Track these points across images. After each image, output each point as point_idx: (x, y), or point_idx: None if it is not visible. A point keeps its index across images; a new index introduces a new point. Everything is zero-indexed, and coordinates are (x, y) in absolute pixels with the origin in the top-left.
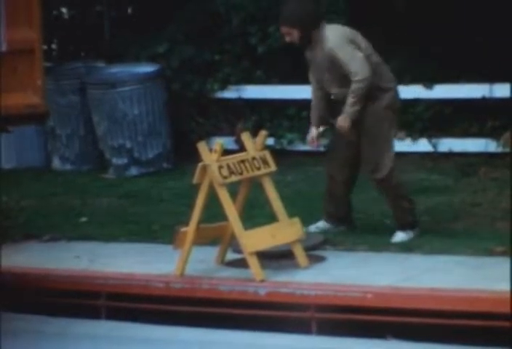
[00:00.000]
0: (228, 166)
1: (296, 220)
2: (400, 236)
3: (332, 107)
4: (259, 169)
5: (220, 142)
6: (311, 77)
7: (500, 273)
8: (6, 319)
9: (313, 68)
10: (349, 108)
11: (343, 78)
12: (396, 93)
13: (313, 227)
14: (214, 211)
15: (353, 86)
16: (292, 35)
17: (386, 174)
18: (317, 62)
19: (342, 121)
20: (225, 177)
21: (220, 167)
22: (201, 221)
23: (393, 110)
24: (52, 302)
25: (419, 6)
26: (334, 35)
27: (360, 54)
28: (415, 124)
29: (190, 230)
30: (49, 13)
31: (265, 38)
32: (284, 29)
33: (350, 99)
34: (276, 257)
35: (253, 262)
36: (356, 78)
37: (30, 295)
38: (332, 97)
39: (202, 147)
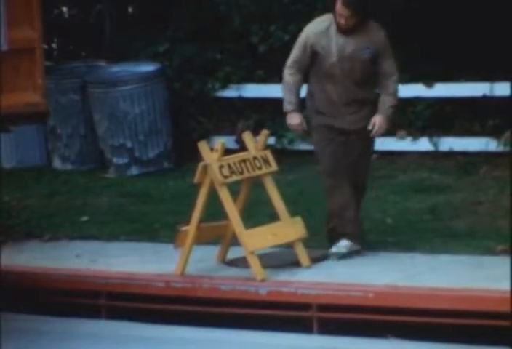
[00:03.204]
0: (229, 166)
1: (297, 219)
2: (341, 245)
3: (331, 105)
4: (260, 168)
5: (221, 141)
6: (300, 62)
7: (501, 272)
8: (6, 319)
9: (329, 55)
10: (390, 109)
11: (365, 75)
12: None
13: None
14: (214, 210)
15: (394, 86)
16: (350, 19)
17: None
18: (343, 50)
19: (385, 123)
20: (225, 177)
21: (221, 167)
22: (201, 220)
23: None
24: (53, 302)
25: (419, 4)
26: (383, 31)
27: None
28: (416, 123)
29: (190, 229)
30: (49, 12)
31: (266, 38)
32: (345, 12)
33: (393, 100)
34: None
35: (254, 262)
36: (395, 77)
37: (30, 295)
38: (336, 95)
39: (203, 146)
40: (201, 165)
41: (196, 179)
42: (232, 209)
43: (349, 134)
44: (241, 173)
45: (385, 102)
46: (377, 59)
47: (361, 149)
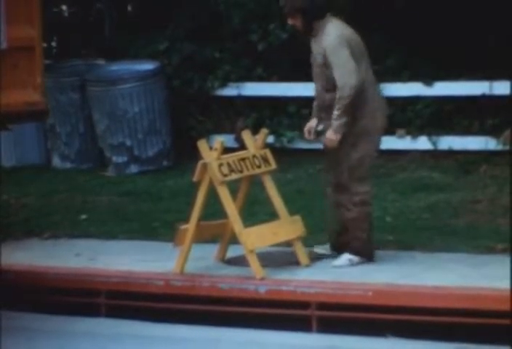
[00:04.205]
0: (228, 164)
1: (297, 218)
2: (343, 259)
3: (319, 115)
4: (259, 167)
5: (220, 140)
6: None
7: (501, 271)
8: (6, 317)
9: (312, 59)
10: (334, 121)
11: (329, 80)
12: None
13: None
14: (214, 208)
15: (338, 95)
16: (295, 21)
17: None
18: (314, 53)
19: (329, 136)
20: (225, 175)
21: (220, 165)
22: (201, 218)
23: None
24: (52, 300)
25: (419, 3)
26: (334, 34)
27: (352, 63)
28: (415, 122)
29: (190, 227)
30: (49, 10)
31: (265, 36)
32: (289, 14)
33: (335, 112)
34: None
35: (253, 260)
36: (342, 88)
37: (30, 293)
38: (315, 94)
39: (202, 145)
40: (200, 163)
41: (195, 178)
42: (231, 208)
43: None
44: (241, 171)
45: (334, 114)
46: (327, 65)
47: (337, 157)
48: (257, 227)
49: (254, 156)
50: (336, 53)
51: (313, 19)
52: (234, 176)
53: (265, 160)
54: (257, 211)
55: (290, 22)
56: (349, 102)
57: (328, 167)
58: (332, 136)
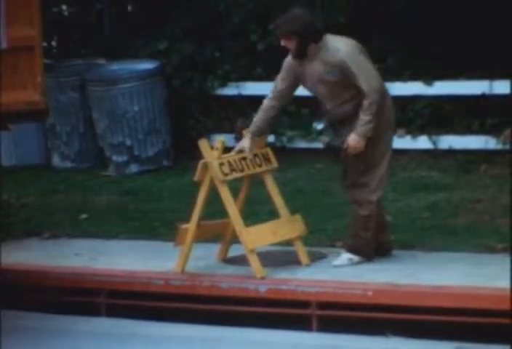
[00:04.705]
0: (229, 163)
1: (297, 217)
2: (343, 258)
3: (332, 127)
4: (260, 165)
5: (220, 139)
6: (278, 84)
7: (501, 270)
8: (6, 316)
9: (305, 81)
10: (362, 127)
11: (349, 90)
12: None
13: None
14: (215, 208)
15: (367, 102)
16: (289, 43)
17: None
18: (312, 74)
19: (355, 142)
20: (225, 174)
21: (221, 164)
22: (201, 218)
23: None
24: (53, 300)
25: (419, 3)
26: (346, 47)
27: (372, 68)
28: (415, 121)
29: (190, 227)
30: (49, 10)
31: (265, 36)
32: (284, 36)
33: (364, 117)
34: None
35: (253, 259)
36: (370, 93)
37: (30, 292)
38: (327, 114)
39: (203, 144)
40: (201, 163)
41: (196, 177)
42: (232, 207)
43: None
44: (242, 170)
45: (360, 119)
46: (346, 77)
47: (357, 156)
48: (257, 227)
49: (255, 155)
50: (355, 62)
51: (309, 42)
52: (235, 175)
53: (266, 159)
54: (257, 210)
55: (283, 43)
56: (377, 108)
57: (345, 167)
58: (357, 142)
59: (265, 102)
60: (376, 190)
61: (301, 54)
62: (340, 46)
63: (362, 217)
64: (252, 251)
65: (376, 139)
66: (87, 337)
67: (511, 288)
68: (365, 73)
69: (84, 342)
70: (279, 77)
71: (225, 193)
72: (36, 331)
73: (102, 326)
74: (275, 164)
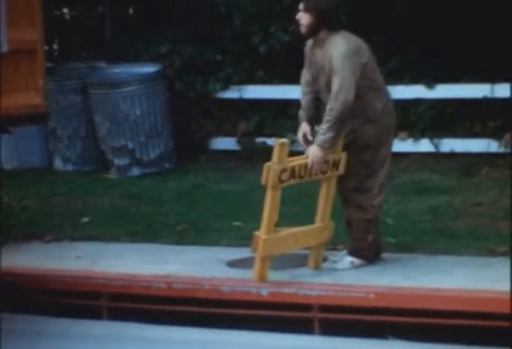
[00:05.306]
0: (292, 170)
1: (330, 224)
2: (345, 262)
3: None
4: (324, 173)
5: (284, 141)
6: (305, 76)
7: (502, 273)
8: (8, 320)
9: (311, 66)
10: (320, 136)
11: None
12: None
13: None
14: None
15: (329, 106)
16: (305, 19)
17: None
18: (317, 62)
19: (313, 152)
20: (282, 181)
21: (283, 170)
22: (276, 224)
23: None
24: (54, 303)
25: (420, 6)
26: (343, 45)
27: (353, 80)
28: (417, 124)
29: (260, 234)
30: (50, 13)
31: (266, 38)
32: (306, 9)
33: (323, 126)
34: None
35: (260, 265)
36: (334, 100)
37: (32, 295)
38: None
39: (279, 146)
40: (266, 166)
41: (263, 181)
42: (270, 212)
43: None
44: (301, 177)
45: (320, 127)
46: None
47: (361, 160)
48: (281, 235)
49: (325, 162)
50: (342, 64)
51: (323, 25)
52: (292, 182)
53: (335, 165)
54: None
55: (299, 16)
56: (339, 116)
57: (348, 172)
58: (317, 152)
59: (302, 93)
60: (379, 195)
61: (310, 33)
62: (341, 44)
63: (365, 221)
64: (263, 258)
65: (377, 145)
66: (89, 339)
67: None
68: (342, 80)
69: (86, 344)
70: (304, 69)
71: (272, 198)
72: (37, 334)
73: (104, 328)
74: (341, 171)
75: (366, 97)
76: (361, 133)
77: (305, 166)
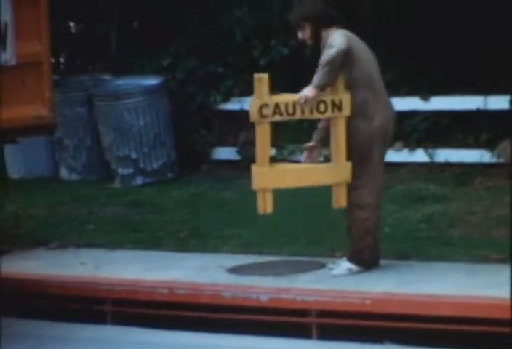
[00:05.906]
0: (276, 106)
1: (347, 164)
2: (343, 268)
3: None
4: (323, 112)
5: (262, 75)
6: None
7: (496, 280)
8: (14, 324)
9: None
10: (315, 76)
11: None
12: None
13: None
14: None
15: (325, 53)
16: (304, 32)
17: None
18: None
19: (307, 91)
20: (264, 116)
21: (264, 105)
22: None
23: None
24: (59, 308)
25: (414, 19)
26: (338, 36)
27: (345, 41)
28: (412, 135)
29: (256, 169)
30: (57, 27)
31: (266, 51)
32: (298, 25)
33: (318, 69)
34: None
35: (261, 199)
36: (330, 48)
37: (37, 301)
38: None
39: (257, 81)
40: (250, 101)
41: (251, 118)
42: (261, 146)
43: None
44: (290, 114)
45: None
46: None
47: (360, 158)
48: (278, 169)
49: (321, 101)
50: (334, 39)
51: (321, 26)
52: (277, 118)
53: (335, 106)
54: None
55: (299, 34)
56: (331, 60)
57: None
58: (308, 90)
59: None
60: (373, 193)
61: (316, 39)
62: (336, 37)
63: (362, 220)
64: (259, 191)
65: (369, 144)
66: (93, 344)
67: (511, 297)
68: (334, 40)
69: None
70: None
71: (259, 133)
72: (42, 339)
73: (108, 333)
74: (346, 112)
75: (366, 97)
76: (357, 131)
77: (294, 103)
